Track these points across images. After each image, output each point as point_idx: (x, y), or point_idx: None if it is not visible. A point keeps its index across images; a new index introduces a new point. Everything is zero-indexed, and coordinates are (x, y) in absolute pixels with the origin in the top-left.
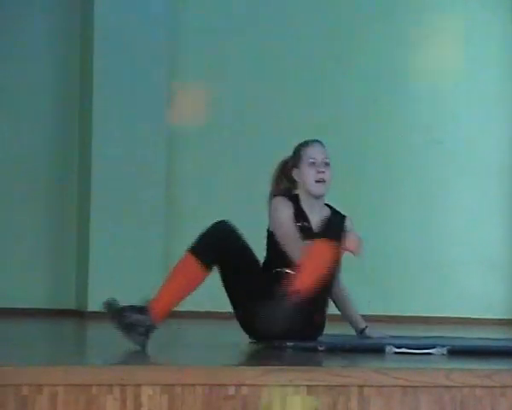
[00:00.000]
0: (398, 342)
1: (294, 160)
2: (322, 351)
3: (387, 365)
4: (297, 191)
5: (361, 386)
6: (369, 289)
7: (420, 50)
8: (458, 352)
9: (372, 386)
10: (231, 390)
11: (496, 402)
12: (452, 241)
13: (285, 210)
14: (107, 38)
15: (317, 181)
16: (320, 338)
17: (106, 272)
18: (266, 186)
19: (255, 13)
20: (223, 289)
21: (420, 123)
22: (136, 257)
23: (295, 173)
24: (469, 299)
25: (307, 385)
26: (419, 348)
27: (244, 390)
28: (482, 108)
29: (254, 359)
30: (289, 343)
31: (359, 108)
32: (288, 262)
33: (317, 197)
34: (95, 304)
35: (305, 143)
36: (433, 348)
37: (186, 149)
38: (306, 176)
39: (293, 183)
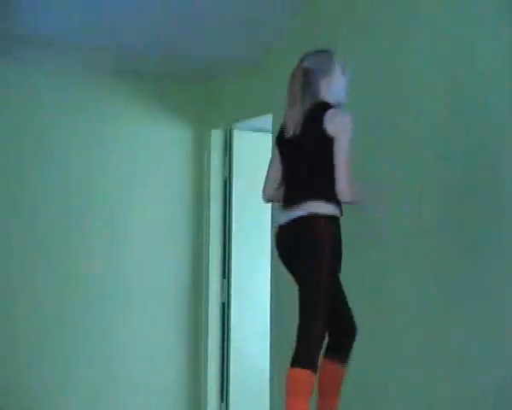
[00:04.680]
0: None
1: (323, 67)
2: None
3: None
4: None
5: None
6: None
7: None
8: None
9: None
10: None
11: None
12: None
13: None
14: None
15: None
16: None
17: None
18: None
19: None
20: None
21: None
22: None
23: (325, 83)
24: None
25: None
26: None
27: None
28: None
29: None
30: None
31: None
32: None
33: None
34: None
35: (331, 52)
36: None
37: None
38: (341, 87)
39: (317, 93)
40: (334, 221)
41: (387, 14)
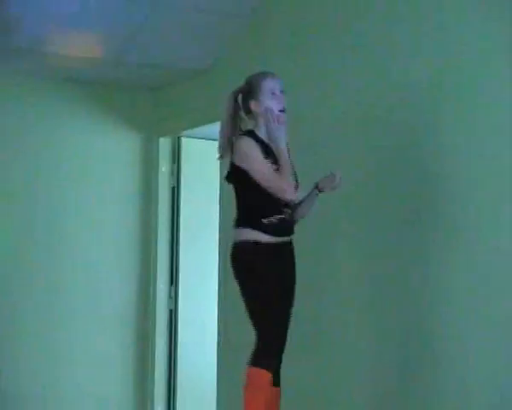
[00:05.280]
0: None
1: (251, 90)
2: None
3: None
4: (251, 126)
5: None
6: None
7: None
8: None
9: None
10: None
11: None
12: None
13: (256, 149)
14: None
15: (281, 111)
16: None
17: None
18: None
19: None
20: None
21: None
22: None
23: (253, 105)
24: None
25: None
26: None
27: None
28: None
29: None
30: None
31: None
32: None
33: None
34: None
35: (264, 74)
36: None
37: None
38: (270, 106)
39: (248, 115)
40: (264, 246)
41: (336, 19)
